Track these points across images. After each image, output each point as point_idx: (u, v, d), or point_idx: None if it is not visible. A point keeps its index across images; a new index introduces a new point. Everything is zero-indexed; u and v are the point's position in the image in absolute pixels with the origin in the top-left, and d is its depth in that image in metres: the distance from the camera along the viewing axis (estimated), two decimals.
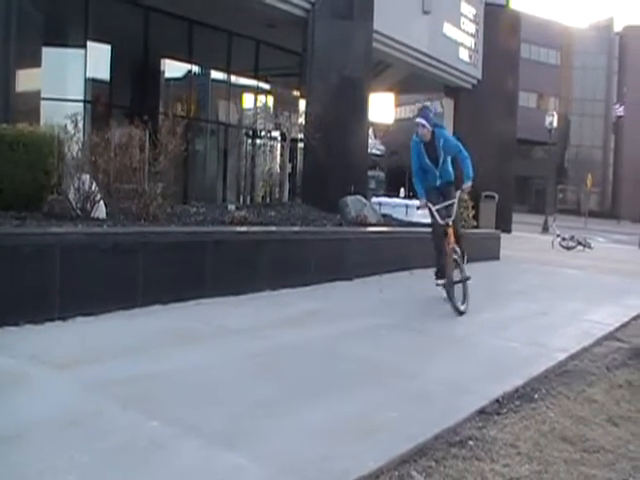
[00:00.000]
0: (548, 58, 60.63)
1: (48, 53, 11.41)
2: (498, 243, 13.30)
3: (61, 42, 13.06)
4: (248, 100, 18.00)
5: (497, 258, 12.93)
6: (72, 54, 13.49)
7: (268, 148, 16.92)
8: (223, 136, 17.56)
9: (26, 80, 10.08)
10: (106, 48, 14.39)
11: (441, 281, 6.93)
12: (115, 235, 5.96)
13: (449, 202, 6.96)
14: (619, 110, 59.43)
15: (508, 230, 20.86)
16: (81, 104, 13.04)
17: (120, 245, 5.82)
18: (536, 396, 4.34)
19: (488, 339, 5.85)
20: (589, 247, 17.85)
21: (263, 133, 16.74)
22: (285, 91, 17.39)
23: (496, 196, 20.01)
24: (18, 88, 9.75)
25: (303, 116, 13.59)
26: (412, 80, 20.19)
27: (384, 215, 11.75)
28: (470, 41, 20.68)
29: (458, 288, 6.77)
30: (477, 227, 14.42)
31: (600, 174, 59.79)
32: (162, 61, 16.23)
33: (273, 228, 8.17)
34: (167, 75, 16.71)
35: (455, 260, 6.84)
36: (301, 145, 14.79)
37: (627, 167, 60.47)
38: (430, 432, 3.46)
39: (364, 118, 14.08)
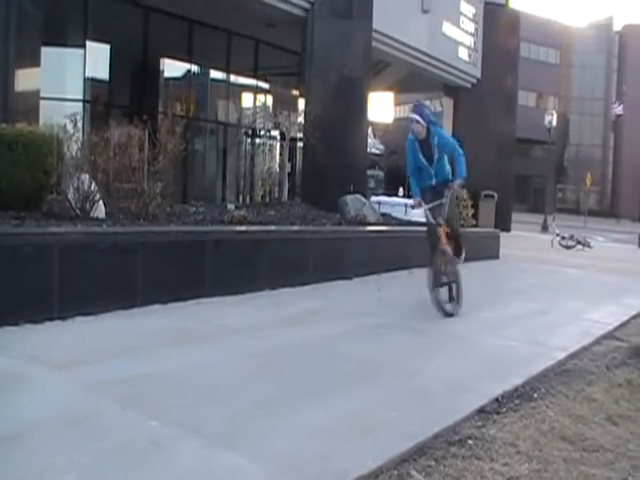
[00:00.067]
0: (547, 57, 60.65)
1: (47, 53, 11.42)
2: (497, 242, 13.30)
3: (60, 42, 13.06)
4: (247, 99, 18.00)
5: (496, 257, 12.93)
6: (71, 54, 13.49)
7: (267, 147, 16.92)
8: (222, 135, 17.56)
9: (25, 80, 10.08)
10: (105, 48, 14.39)
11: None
12: (114, 235, 5.96)
13: (438, 201, 6.79)
14: (618, 109, 59.40)
15: (507, 229, 20.87)
16: (80, 104, 13.04)
17: (119, 245, 5.82)
18: (535, 395, 4.34)
19: (487, 338, 5.85)
20: (588, 246, 17.84)
21: (262, 132, 16.75)
22: (284, 90, 17.39)
23: (495, 195, 20.02)
24: (17, 88, 9.75)
25: (302, 115, 13.59)
26: (411, 79, 20.18)
27: (383, 214, 11.75)
28: (469, 40, 20.68)
29: (445, 289, 6.66)
30: (476, 226, 14.43)
31: (599, 173, 59.82)
32: (161, 61, 16.23)
33: (272, 227, 8.18)
34: (166, 75, 16.71)
35: (446, 261, 6.66)
36: (300, 144, 14.80)
37: (626, 166, 60.48)
38: (430, 431, 3.46)
39: (363, 117, 14.09)
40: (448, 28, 19.35)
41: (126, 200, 7.19)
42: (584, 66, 62.25)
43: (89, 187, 6.53)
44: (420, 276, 8.10)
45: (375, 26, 13.95)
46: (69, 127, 6.79)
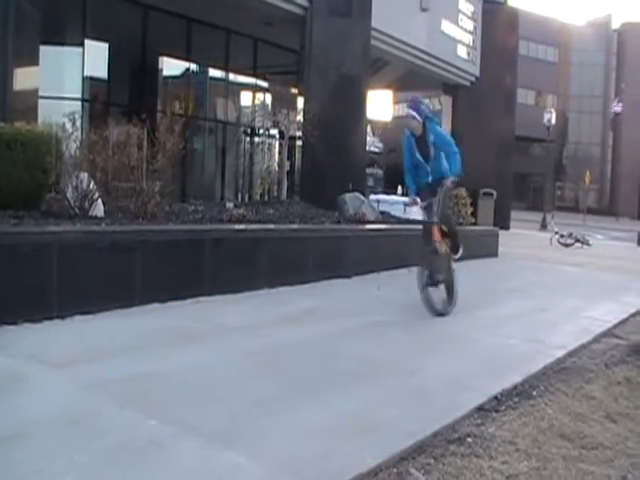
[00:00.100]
0: (546, 55, 60.66)
1: (46, 51, 11.42)
2: (496, 240, 13.30)
3: (59, 40, 13.05)
4: (246, 98, 17.98)
5: (495, 255, 12.94)
6: (70, 52, 13.48)
7: (266, 146, 16.94)
8: (221, 134, 17.54)
9: (24, 78, 10.08)
10: (104, 46, 14.37)
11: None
12: (113, 233, 5.96)
13: (430, 200, 6.68)
14: (617, 107, 59.41)
15: (506, 227, 20.89)
16: (79, 102, 13.03)
17: (118, 243, 5.82)
18: (534, 393, 4.35)
19: (486, 336, 5.85)
20: (587, 244, 17.85)
21: (261, 131, 16.75)
22: (283, 89, 17.38)
23: (494, 193, 20.03)
24: (16, 86, 9.75)
25: (301, 114, 13.59)
26: (410, 77, 20.17)
27: (382, 212, 11.75)
28: (468, 38, 20.68)
29: (438, 288, 6.52)
30: (475, 224, 14.44)
31: (598, 171, 59.86)
32: (160, 59, 16.21)
33: (271, 226, 8.17)
34: (165, 73, 16.69)
35: (438, 260, 6.55)
36: (299, 143, 14.80)
37: (625, 164, 60.52)
38: (429, 429, 3.47)
39: (362, 115, 14.08)
40: (447, 26, 19.35)
41: (125, 199, 7.18)
42: (583, 64, 62.28)
43: (88, 186, 6.53)
44: None
45: (374, 24, 13.94)
46: (68, 126, 6.79)
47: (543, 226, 26.82)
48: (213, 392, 3.85)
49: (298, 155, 15.66)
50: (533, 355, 5.23)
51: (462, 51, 20.46)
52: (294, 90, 15.69)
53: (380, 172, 32.72)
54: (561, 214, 37.65)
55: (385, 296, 7.43)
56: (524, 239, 19.58)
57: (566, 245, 17.63)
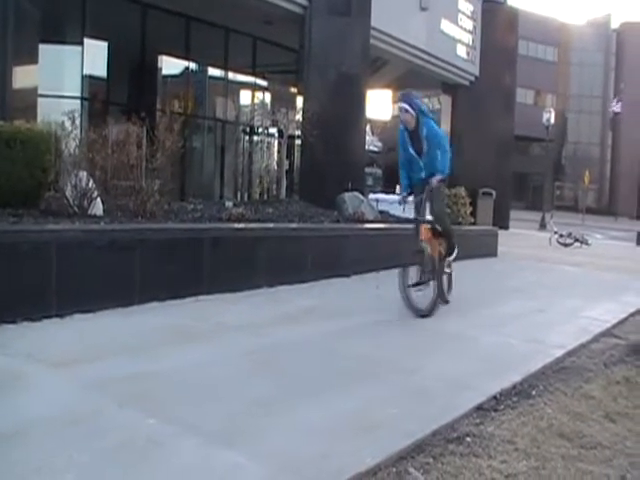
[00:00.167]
0: (546, 55, 60.68)
1: (45, 50, 11.41)
2: (495, 240, 13.31)
3: (58, 39, 13.05)
4: (245, 97, 17.98)
5: (494, 255, 12.94)
6: (69, 51, 13.48)
7: (265, 145, 16.92)
8: (220, 133, 17.54)
9: (23, 77, 10.07)
10: (103, 45, 14.38)
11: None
12: (112, 232, 5.96)
13: (420, 197, 6.58)
14: (616, 106, 59.44)
15: (505, 227, 20.90)
16: (78, 101, 13.03)
17: (117, 242, 5.82)
18: (534, 392, 4.35)
19: (486, 335, 5.85)
20: (586, 244, 17.86)
21: (260, 130, 16.73)
22: (282, 88, 17.37)
23: (493, 193, 20.04)
24: (15, 85, 9.74)
25: (300, 113, 13.57)
26: (410, 77, 20.17)
27: (381, 212, 11.75)
28: (468, 38, 20.69)
29: (423, 288, 6.36)
30: (474, 224, 14.45)
31: (597, 171, 59.92)
32: (159, 58, 16.21)
33: (270, 225, 8.17)
34: (164, 72, 16.69)
35: (422, 260, 6.42)
36: (298, 142, 14.80)
37: (624, 164, 60.58)
38: (428, 428, 3.46)
39: (361, 115, 14.09)
40: (446, 26, 19.36)
41: (124, 197, 7.18)
42: (582, 64, 62.32)
43: (87, 184, 6.52)
44: None
45: (373, 23, 13.95)
46: (67, 124, 6.79)
47: (542, 226, 26.83)
48: (212, 391, 3.85)
49: (297, 154, 15.66)
50: (532, 355, 5.23)
51: (461, 50, 20.47)
52: (293, 89, 15.69)
53: (379, 171, 32.70)
54: (560, 214, 37.69)
55: (384, 295, 7.41)
56: (523, 239, 19.59)
57: (565, 245, 17.64)
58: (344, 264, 8.43)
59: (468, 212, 13.34)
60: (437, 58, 19.06)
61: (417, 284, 6.33)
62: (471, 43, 20.89)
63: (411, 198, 6.86)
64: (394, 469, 3.04)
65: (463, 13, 20.35)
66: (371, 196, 14.62)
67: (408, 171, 6.82)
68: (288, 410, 3.59)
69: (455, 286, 7.19)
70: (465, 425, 3.65)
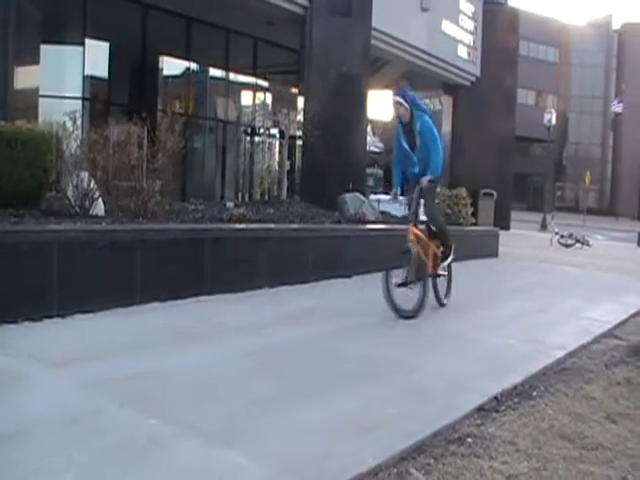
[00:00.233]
0: (547, 55, 60.71)
1: (46, 50, 11.41)
2: (496, 240, 13.31)
3: (59, 39, 13.05)
4: (246, 97, 17.99)
5: (495, 255, 12.95)
6: (70, 51, 13.49)
7: (267, 145, 16.94)
8: (221, 133, 17.55)
9: (24, 77, 10.07)
10: (104, 45, 14.38)
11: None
12: (113, 232, 5.96)
13: (411, 196, 6.51)
14: (617, 107, 59.42)
15: (506, 227, 20.90)
16: (79, 101, 13.03)
17: (118, 242, 5.82)
18: (535, 393, 4.35)
19: (486, 336, 5.85)
20: (587, 245, 17.86)
21: (262, 130, 16.75)
22: (283, 88, 17.37)
23: (495, 193, 20.04)
24: (16, 85, 9.74)
25: (301, 113, 13.59)
26: (411, 77, 20.18)
27: (382, 212, 11.75)
28: (469, 38, 20.69)
29: (409, 289, 6.24)
30: (475, 224, 14.44)
31: (598, 171, 59.88)
32: (160, 58, 16.22)
33: (272, 225, 8.17)
34: (165, 72, 16.70)
35: (408, 261, 6.29)
36: (300, 142, 14.80)
37: (625, 164, 60.56)
38: (429, 429, 3.46)
39: (362, 115, 14.09)
40: (447, 26, 19.36)
41: (125, 198, 7.18)
42: (583, 64, 62.30)
43: (88, 185, 6.53)
44: None
45: (374, 24, 13.94)
46: (68, 125, 6.79)
47: (543, 226, 26.83)
48: (213, 391, 3.85)
49: (298, 155, 15.66)
50: (533, 355, 5.23)
51: (462, 51, 20.47)
52: (294, 90, 15.69)
53: (380, 172, 32.72)
54: (561, 214, 37.66)
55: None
56: (524, 239, 19.59)
57: (566, 246, 17.64)
58: (345, 265, 8.43)
59: (469, 213, 13.33)
60: (438, 59, 19.06)
61: (402, 284, 6.21)
62: (472, 44, 20.89)
63: (402, 198, 6.80)
64: (395, 469, 3.04)
65: (464, 14, 20.35)
66: (372, 197, 14.62)
67: (402, 167, 6.75)
68: (289, 410, 3.59)
69: (456, 287, 7.19)
70: (466, 426, 3.65)
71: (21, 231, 5.33)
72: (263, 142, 17.10)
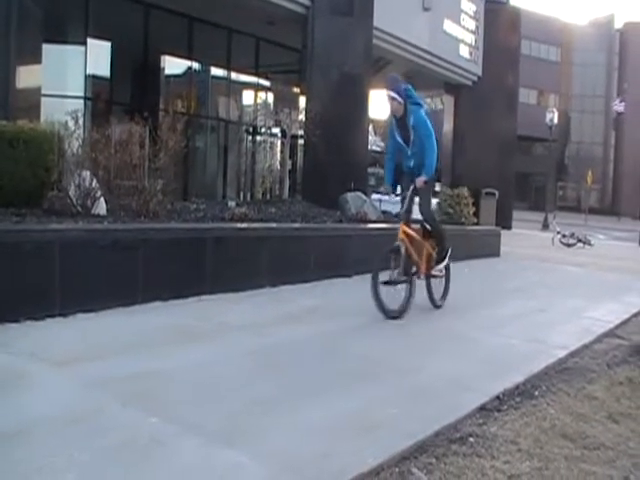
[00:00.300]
0: (548, 55, 60.64)
1: (48, 50, 11.43)
2: (498, 240, 13.31)
3: (61, 39, 13.07)
4: (248, 97, 18.01)
5: (497, 255, 12.94)
6: (72, 51, 13.50)
7: (268, 145, 16.94)
8: (223, 133, 17.56)
9: (26, 77, 10.08)
10: (106, 45, 14.40)
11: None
12: (115, 232, 5.96)
13: (404, 194, 6.40)
14: (619, 106, 59.34)
15: (508, 227, 20.89)
16: (81, 101, 13.04)
17: (120, 242, 5.82)
18: (536, 393, 4.34)
19: (488, 336, 5.85)
20: (589, 244, 17.85)
21: (263, 130, 16.75)
22: (285, 88, 17.39)
23: (496, 193, 20.02)
24: (18, 85, 9.75)
25: (303, 113, 13.60)
26: (412, 77, 20.17)
27: (384, 212, 11.76)
28: (470, 38, 20.68)
29: (392, 289, 6.09)
30: (477, 224, 14.43)
31: (600, 171, 59.84)
32: (162, 58, 16.24)
33: (273, 225, 8.17)
34: (167, 72, 16.71)
35: (397, 260, 6.18)
36: (301, 142, 14.80)
37: (627, 164, 60.49)
38: (430, 429, 3.46)
39: (364, 115, 14.09)
40: (449, 26, 19.35)
41: (127, 197, 7.18)
42: (585, 64, 62.23)
43: (90, 184, 6.53)
44: None
45: (376, 23, 13.94)
46: (70, 124, 6.80)
47: (545, 226, 26.81)
48: (214, 390, 3.85)
49: (300, 154, 15.66)
50: (535, 355, 5.23)
51: (464, 51, 20.47)
52: (296, 89, 15.70)
53: (382, 171, 32.74)
54: (563, 214, 37.66)
55: None
56: (526, 239, 19.58)
57: (568, 245, 17.63)
58: (347, 264, 8.42)
59: (471, 212, 13.32)
60: (440, 58, 19.06)
61: (388, 282, 6.04)
62: (474, 43, 20.88)
63: (393, 196, 6.74)
64: (397, 469, 3.04)
65: (466, 13, 20.34)
66: (374, 196, 14.63)
67: (395, 162, 6.66)
68: (289, 410, 3.59)
69: (457, 286, 7.18)
70: (468, 425, 3.65)
71: (23, 230, 5.33)
72: (265, 141, 17.10)
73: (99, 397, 3.56)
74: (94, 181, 6.58)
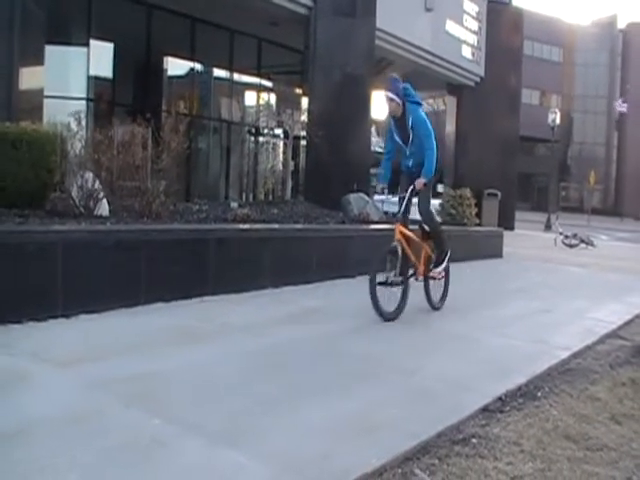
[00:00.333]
0: (551, 55, 60.54)
1: (51, 51, 11.44)
2: (501, 241, 13.30)
3: (64, 40, 13.09)
4: (250, 98, 18.01)
5: (500, 256, 12.93)
6: (75, 52, 13.52)
7: (271, 146, 16.97)
8: (226, 134, 17.57)
9: (29, 78, 10.09)
10: (109, 46, 14.42)
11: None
12: (118, 233, 5.97)
13: (403, 194, 6.33)
14: (621, 106, 59.24)
15: (511, 228, 20.87)
16: (84, 102, 13.08)
17: (123, 243, 5.83)
18: (539, 394, 4.34)
19: (490, 337, 5.84)
20: (592, 245, 17.83)
21: (266, 131, 16.77)
22: (287, 89, 17.40)
23: (499, 194, 20.01)
24: (21, 86, 9.76)
25: (305, 114, 13.60)
26: (415, 77, 20.05)
27: (386, 213, 11.74)
28: (473, 38, 20.68)
29: (388, 291, 5.99)
30: (480, 225, 14.43)
31: (603, 171, 59.69)
32: (165, 59, 16.25)
33: (276, 226, 8.17)
34: (170, 73, 16.73)
35: (393, 261, 6.05)
36: (304, 143, 14.81)
37: (630, 164, 60.38)
38: (433, 430, 3.46)
39: (366, 115, 14.10)
40: (451, 26, 19.35)
41: (130, 198, 7.19)
42: (587, 64, 62.13)
43: (93, 185, 6.54)
44: None
45: (378, 24, 13.95)
46: (73, 125, 6.81)
47: (547, 227, 26.78)
48: (216, 391, 3.85)
49: (302, 155, 15.67)
50: (537, 356, 5.22)
51: (467, 51, 20.46)
52: (298, 90, 15.72)
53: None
54: (565, 214, 37.60)
55: None
56: (528, 240, 19.56)
57: (571, 246, 17.61)
58: (349, 265, 8.42)
59: (473, 213, 13.31)
60: (442, 59, 19.05)
61: (383, 283, 5.94)
62: (476, 44, 20.88)
63: (383, 196, 6.72)
64: (399, 470, 3.03)
65: (468, 14, 20.34)
66: (376, 197, 14.60)
67: (393, 161, 6.59)
68: (291, 410, 3.59)
69: (460, 287, 7.17)
70: (471, 426, 3.64)
71: (26, 231, 5.34)
72: (267, 142, 17.12)
73: (101, 398, 3.57)
74: (97, 182, 6.58)
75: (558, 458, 3.31)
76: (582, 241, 17.80)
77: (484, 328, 6.15)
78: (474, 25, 20.66)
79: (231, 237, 7.13)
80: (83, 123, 6.97)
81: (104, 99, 14.28)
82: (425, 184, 6.28)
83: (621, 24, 64.39)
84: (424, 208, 6.52)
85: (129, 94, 15.48)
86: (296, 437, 3.24)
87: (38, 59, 10.73)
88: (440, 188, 19.63)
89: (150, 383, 3.85)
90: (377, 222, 10.29)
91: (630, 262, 14.82)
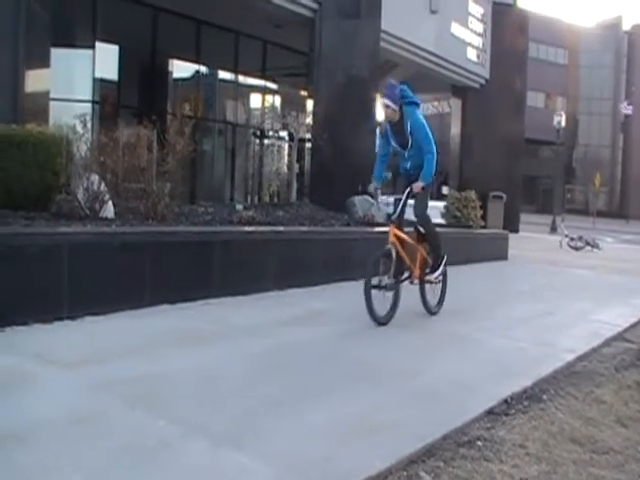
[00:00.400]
0: (556, 57, 60.44)
1: (57, 54, 11.49)
2: (506, 243, 13.28)
3: (69, 43, 13.13)
4: (255, 100, 18.04)
5: (505, 258, 12.91)
6: (80, 55, 13.56)
7: (276, 148, 16.98)
8: (231, 136, 17.60)
9: (35, 81, 10.12)
10: (114, 48, 14.46)
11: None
12: (123, 235, 5.98)
13: (400, 196, 6.24)
14: (627, 108, 59.10)
15: (516, 230, 20.83)
16: (89, 104, 13.11)
17: (128, 245, 5.84)
18: (545, 397, 4.33)
19: (495, 339, 5.83)
20: (597, 247, 17.78)
21: (271, 133, 16.79)
22: (292, 91, 17.42)
23: (504, 196, 19.97)
24: (27, 89, 9.79)
25: (310, 116, 13.61)
26: (419, 80, 20.12)
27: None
28: (478, 40, 20.67)
29: (381, 294, 5.90)
30: (485, 227, 14.41)
31: (608, 173, 59.53)
32: (170, 61, 16.30)
33: (281, 228, 8.18)
34: (175, 75, 16.77)
35: (387, 264, 5.95)
36: (309, 145, 14.82)
37: (636, 166, 60.20)
38: (438, 432, 3.45)
39: (371, 117, 14.08)
40: (456, 28, 19.35)
41: (135, 200, 7.21)
42: (592, 66, 61.99)
43: (98, 187, 6.56)
44: None
45: (383, 26, 13.95)
46: (78, 128, 6.83)
47: (553, 229, 26.72)
48: (221, 393, 3.85)
49: (307, 157, 15.69)
50: (543, 359, 5.21)
51: (472, 53, 20.45)
52: (303, 92, 15.72)
53: (389, 174, 32.77)
54: (571, 217, 37.45)
55: None
56: (534, 242, 19.52)
57: (576, 248, 17.56)
58: (354, 267, 8.39)
59: (478, 215, 13.29)
60: (447, 61, 19.05)
61: (376, 286, 5.83)
62: (481, 46, 20.86)
63: (381, 197, 6.71)
64: (405, 472, 3.03)
65: (473, 16, 20.33)
66: (381, 198, 14.58)
67: (386, 163, 6.52)
68: (295, 412, 3.59)
69: (465, 289, 7.17)
70: (476, 429, 3.64)
71: (31, 233, 5.36)
72: (272, 145, 17.14)
73: (106, 399, 3.57)
74: (102, 184, 6.60)
75: (564, 461, 3.30)
76: (587, 243, 17.76)
77: (490, 330, 6.13)
78: (479, 27, 20.65)
79: (236, 239, 7.14)
80: (89, 125, 6.98)
81: (109, 101, 14.31)
82: (423, 188, 6.21)
83: (626, 26, 64.24)
84: (420, 212, 6.45)
85: (134, 96, 15.52)
86: (300, 439, 3.24)
87: (44, 62, 10.77)
88: (445, 190, 19.65)
89: (155, 385, 3.86)
90: (382, 224, 10.28)
91: (636, 264, 14.77)
